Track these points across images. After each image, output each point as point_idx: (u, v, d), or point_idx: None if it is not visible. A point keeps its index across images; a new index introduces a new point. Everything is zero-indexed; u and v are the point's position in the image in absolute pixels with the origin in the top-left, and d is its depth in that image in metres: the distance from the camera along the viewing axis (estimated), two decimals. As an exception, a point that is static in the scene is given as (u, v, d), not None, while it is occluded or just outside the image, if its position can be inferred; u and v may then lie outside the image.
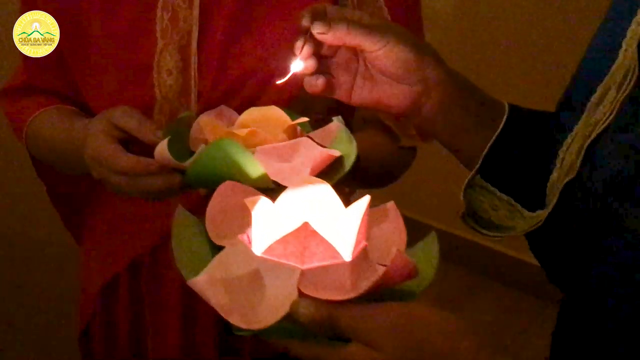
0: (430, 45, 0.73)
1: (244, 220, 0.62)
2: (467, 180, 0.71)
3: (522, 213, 0.69)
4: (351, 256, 0.57)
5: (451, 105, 0.71)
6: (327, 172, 0.74)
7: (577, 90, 0.68)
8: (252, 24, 0.90)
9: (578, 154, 0.64)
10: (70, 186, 1.06)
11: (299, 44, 0.70)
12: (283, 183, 0.69)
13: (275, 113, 0.80)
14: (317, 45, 0.72)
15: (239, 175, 0.68)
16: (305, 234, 0.55)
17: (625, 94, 0.60)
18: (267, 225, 0.58)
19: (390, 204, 0.65)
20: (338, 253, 0.56)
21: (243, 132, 0.76)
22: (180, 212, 0.65)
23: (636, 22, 0.62)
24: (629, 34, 0.62)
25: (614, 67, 0.62)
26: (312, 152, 0.74)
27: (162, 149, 0.73)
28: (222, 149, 0.68)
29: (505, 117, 0.71)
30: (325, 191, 0.62)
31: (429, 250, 0.63)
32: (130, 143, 0.81)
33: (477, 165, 0.70)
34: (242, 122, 0.80)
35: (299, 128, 0.80)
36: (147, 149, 0.77)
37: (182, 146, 0.78)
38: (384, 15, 0.92)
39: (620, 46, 0.62)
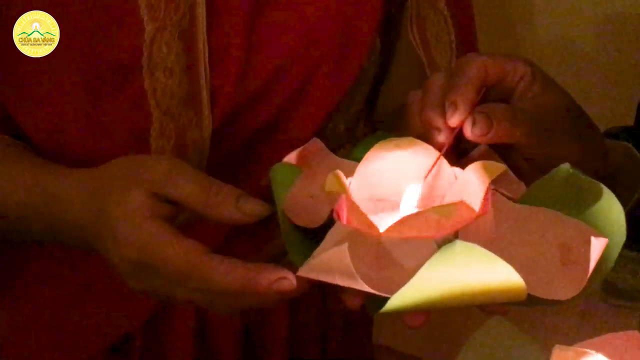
0: (599, 133, 0.58)
1: None
2: None
3: None
4: None
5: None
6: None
7: None
8: None
9: None
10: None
11: (441, 138, 0.50)
12: (546, 296, 0.42)
13: (419, 149, 0.50)
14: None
15: (476, 292, 0.41)
16: None
17: None
18: None
19: None
20: None
21: (449, 210, 0.43)
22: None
23: None
24: None
25: None
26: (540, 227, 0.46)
27: (339, 263, 0.40)
28: (457, 253, 0.39)
29: None
30: None
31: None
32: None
33: None
34: (368, 170, 0.49)
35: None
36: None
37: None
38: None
39: None
